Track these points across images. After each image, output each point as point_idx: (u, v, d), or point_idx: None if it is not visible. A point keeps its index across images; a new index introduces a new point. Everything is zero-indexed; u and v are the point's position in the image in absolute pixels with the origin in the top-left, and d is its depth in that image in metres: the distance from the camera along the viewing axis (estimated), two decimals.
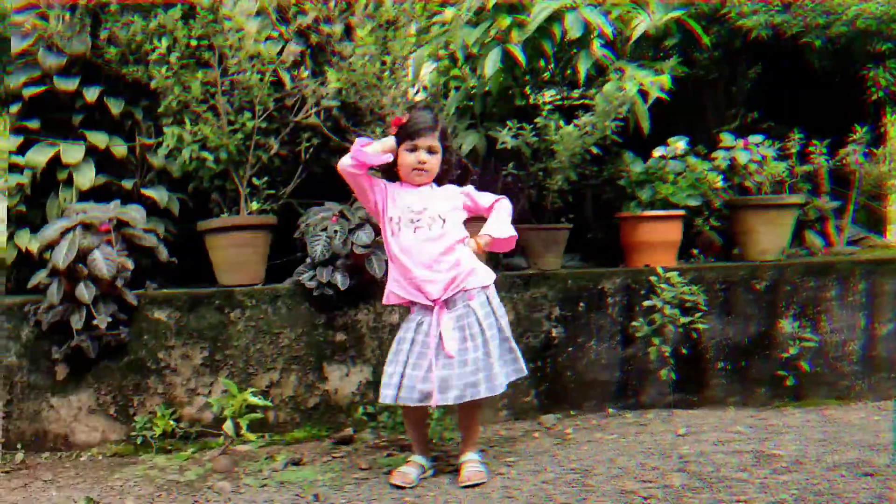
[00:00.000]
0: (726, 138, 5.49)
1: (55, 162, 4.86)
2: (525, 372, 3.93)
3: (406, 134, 3.86)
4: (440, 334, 3.77)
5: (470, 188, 4.10)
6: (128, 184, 5.08)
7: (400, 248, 3.84)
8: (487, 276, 3.94)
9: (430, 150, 3.87)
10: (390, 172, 4.00)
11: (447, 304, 3.82)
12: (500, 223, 4.00)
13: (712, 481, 3.64)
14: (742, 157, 5.36)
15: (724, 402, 5.02)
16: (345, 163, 3.82)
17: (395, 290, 3.91)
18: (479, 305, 3.86)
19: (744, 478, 3.68)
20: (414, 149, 3.85)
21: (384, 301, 4.02)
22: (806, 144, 5.67)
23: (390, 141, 3.90)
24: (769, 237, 5.26)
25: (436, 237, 3.82)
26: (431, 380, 3.73)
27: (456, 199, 3.99)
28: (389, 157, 3.86)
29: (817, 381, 5.08)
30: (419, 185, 3.94)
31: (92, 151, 4.98)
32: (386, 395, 3.84)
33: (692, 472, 3.77)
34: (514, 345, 3.92)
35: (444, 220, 3.86)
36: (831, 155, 5.74)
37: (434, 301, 3.79)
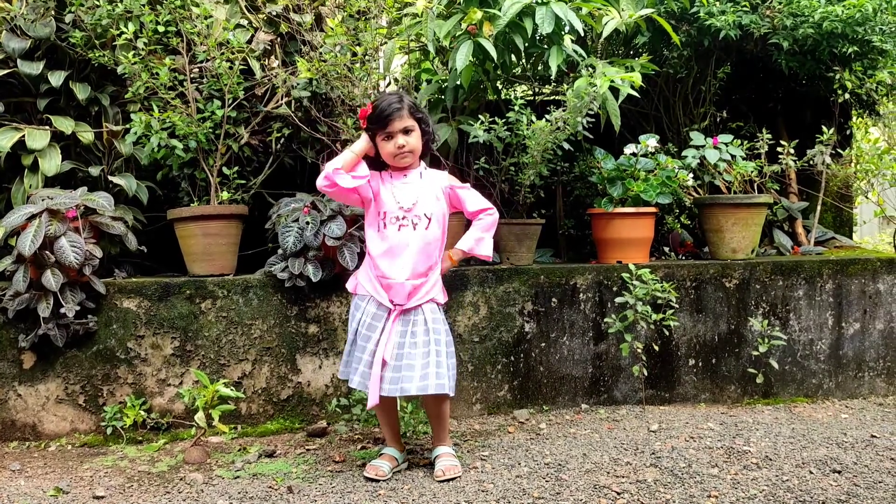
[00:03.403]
0: (696, 137, 5.52)
1: (20, 147, 4.76)
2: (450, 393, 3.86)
3: (377, 123, 3.83)
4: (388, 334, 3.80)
5: (465, 186, 4.09)
6: (94, 171, 4.99)
7: (381, 246, 3.84)
8: (443, 294, 3.98)
9: (406, 131, 3.84)
10: (378, 162, 3.96)
11: (404, 311, 3.84)
12: (478, 240, 4.02)
13: (684, 477, 3.69)
14: (711, 156, 5.40)
15: (695, 399, 5.06)
16: (321, 184, 3.82)
17: (363, 282, 3.90)
18: (430, 311, 3.86)
19: (715, 473, 3.74)
20: (389, 136, 3.83)
21: (349, 286, 3.98)
22: (775, 145, 5.72)
23: (361, 143, 3.90)
24: (739, 236, 5.30)
25: (419, 237, 3.83)
26: (381, 376, 3.75)
27: (442, 191, 3.99)
28: (363, 181, 3.85)
29: (786, 378, 5.15)
30: (407, 169, 3.93)
31: (58, 137, 4.90)
32: (344, 373, 3.94)
33: (665, 467, 3.82)
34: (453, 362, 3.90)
35: (429, 220, 3.87)
36: (799, 156, 5.80)
37: (394, 305, 3.80)
